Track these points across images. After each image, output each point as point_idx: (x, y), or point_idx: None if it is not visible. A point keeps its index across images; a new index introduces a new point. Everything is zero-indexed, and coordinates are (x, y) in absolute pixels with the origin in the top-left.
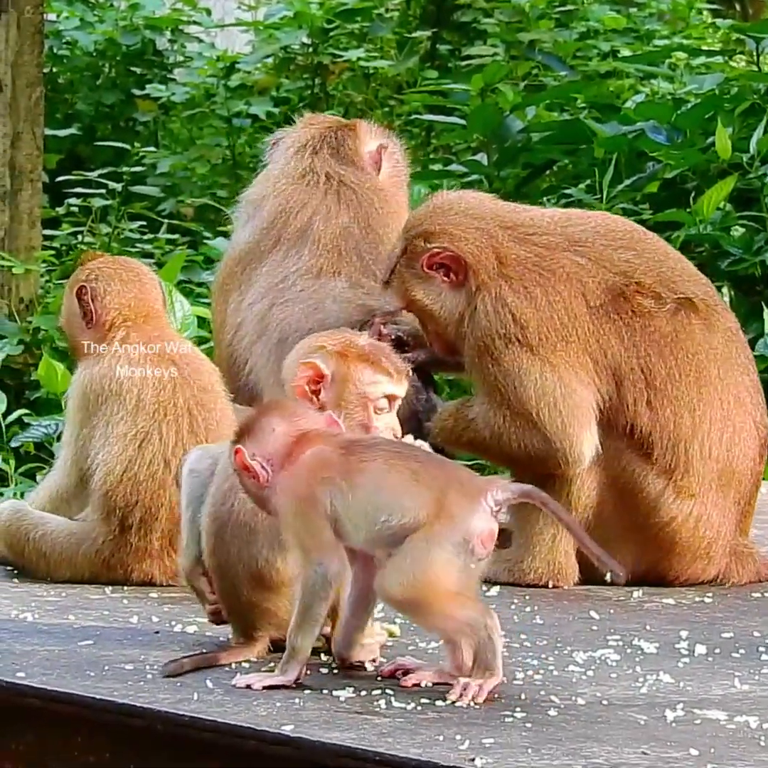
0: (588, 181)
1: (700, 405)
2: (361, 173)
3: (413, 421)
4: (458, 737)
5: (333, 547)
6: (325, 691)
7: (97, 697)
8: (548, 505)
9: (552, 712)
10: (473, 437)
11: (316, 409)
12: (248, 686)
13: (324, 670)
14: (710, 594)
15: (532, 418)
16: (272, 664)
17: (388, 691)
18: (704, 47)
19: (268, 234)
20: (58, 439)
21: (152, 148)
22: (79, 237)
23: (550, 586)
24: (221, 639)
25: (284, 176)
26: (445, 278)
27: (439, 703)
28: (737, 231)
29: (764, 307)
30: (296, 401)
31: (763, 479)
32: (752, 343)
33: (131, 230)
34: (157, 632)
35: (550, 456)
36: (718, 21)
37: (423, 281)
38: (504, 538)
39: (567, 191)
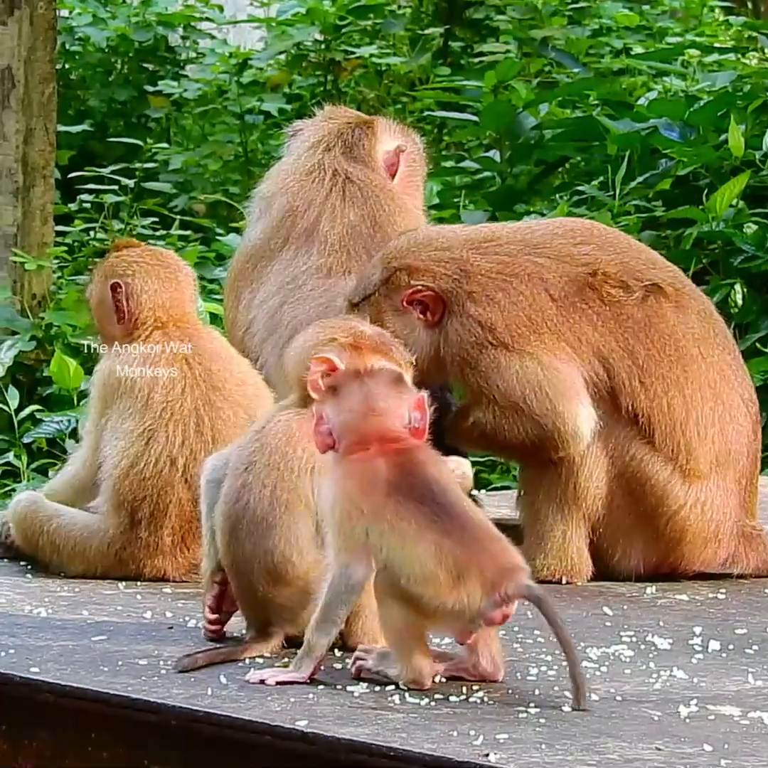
0: (601, 178)
1: (689, 383)
2: (370, 172)
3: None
4: (472, 733)
5: (363, 554)
6: (338, 687)
7: (111, 692)
8: (546, 611)
9: (566, 708)
10: (478, 437)
11: None
12: (262, 681)
13: (338, 666)
14: (724, 590)
15: (519, 407)
16: (286, 660)
17: (401, 686)
18: (717, 44)
19: (277, 233)
20: (71, 435)
21: (164, 145)
22: (92, 233)
23: (564, 582)
24: (235, 634)
25: (293, 172)
26: (421, 316)
27: (453, 698)
28: (750, 228)
29: None
30: (396, 391)
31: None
32: (764, 341)
33: (143, 226)
34: (170, 627)
35: (547, 438)
36: (731, 18)
37: (399, 315)
38: (516, 534)
39: (580, 188)
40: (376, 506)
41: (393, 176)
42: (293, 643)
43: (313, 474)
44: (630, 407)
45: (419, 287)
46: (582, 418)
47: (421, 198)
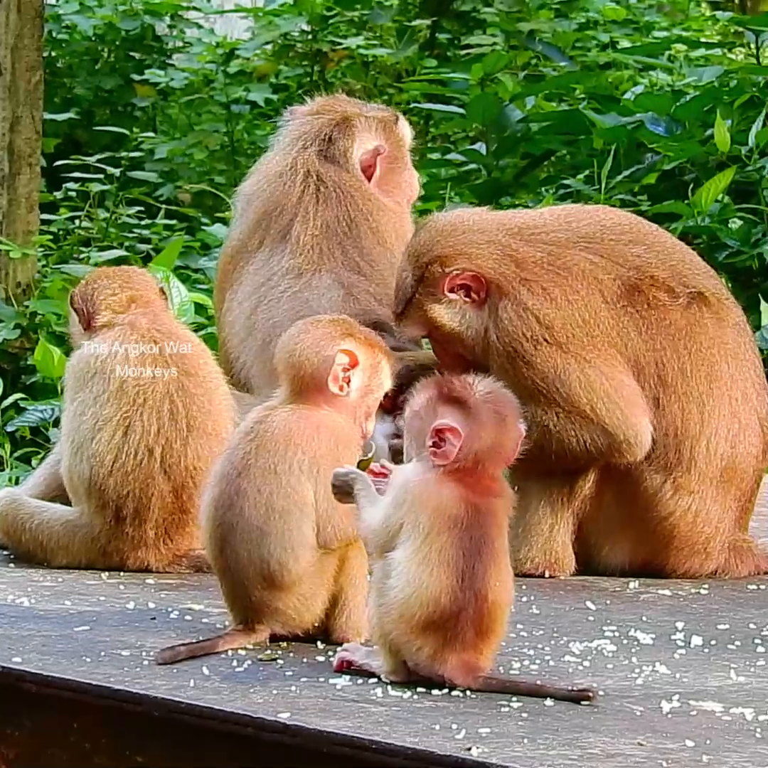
0: (587, 172)
1: (710, 401)
2: (344, 172)
3: None
4: (454, 726)
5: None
6: (321, 680)
7: (94, 683)
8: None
9: (548, 702)
10: (538, 436)
11: (345, 396)
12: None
13: (321, 659)
14: (707, 585)
15: (587, 413)
16: (269, 652)
17: (384, 679)
18: (703, 39)
19: (254, 234)
20: (54, 424)
21: (150, 134)
22: (77, 222)
23: (547, 576)
24: (217, 626)
25: (267, 173)
26: (467, 298)
27: (435, 692)
28: (735, 223)
29: (761, 300)
30: (519, 424)
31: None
32: None
33: (129, 215)
34: (153, 618)
35: (613, 447)
36: (717, 13)
37: (445, 306)
38: None
39: (565, 181)
40: (435, 529)
41: (370, 178)
42: (276, 638)
43: (313, 475)
44: (654, 417)
45: (455, 271)
46: (647, 431)
47: (407, 193)
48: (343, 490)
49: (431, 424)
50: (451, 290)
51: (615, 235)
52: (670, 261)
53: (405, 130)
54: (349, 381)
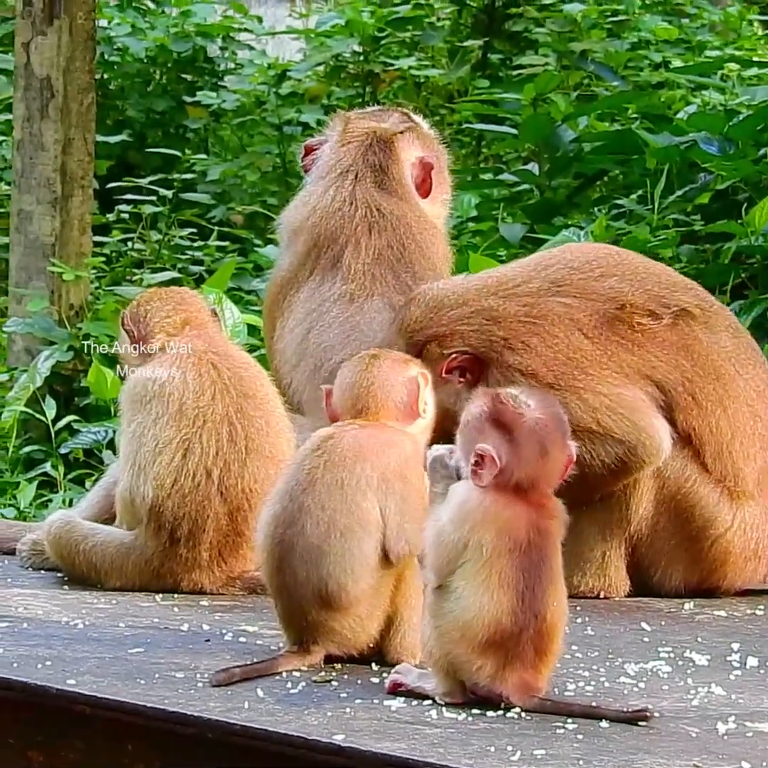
0: (640, 192)
1: (730, 403)
2: (404, 204)
3: None
4: (509, 748)
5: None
6: (375, 701)
7: (148, 704)
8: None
9: (603, 724)
10: None
11: (425, 416)
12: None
13: (375, 680)
14: (762, 606)
15: (594, 430)
16: (323, 673)
17: (439, 701)
18: (756, 58)
19: (303, 266)
20: (108, 445)
21: (203, 156)
22: (130, 244)
23: (601, 596)
24: (272, 648)
25: (323, 208)
26: (461, 379)
27: (490, 713)
28: None
29: None
30: (567, 446)
31: None
32: None
33: (181, 237)
34: (207, 640)
35: (630, 456)
36: None
37: (440, 386)
38: None
39: (618, 201)
40: (497, 552)
41: (427, 191)
42: (331, 659)
43: (382, 491)
44: (685, 425)
45: (454, 354)
46: (662, 430)
47: (449, 190)
48: (432, 477)
49: (476, 442)
50: (449, 372)
51: (583, 273)
52: (645, 285)
53: (426, 126)
54: (426, 401)
